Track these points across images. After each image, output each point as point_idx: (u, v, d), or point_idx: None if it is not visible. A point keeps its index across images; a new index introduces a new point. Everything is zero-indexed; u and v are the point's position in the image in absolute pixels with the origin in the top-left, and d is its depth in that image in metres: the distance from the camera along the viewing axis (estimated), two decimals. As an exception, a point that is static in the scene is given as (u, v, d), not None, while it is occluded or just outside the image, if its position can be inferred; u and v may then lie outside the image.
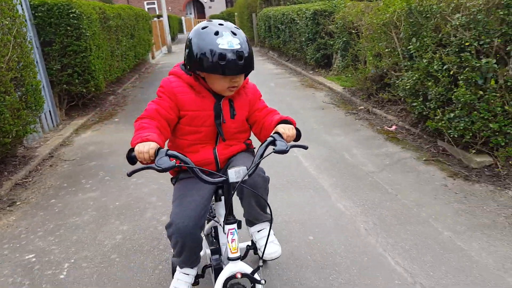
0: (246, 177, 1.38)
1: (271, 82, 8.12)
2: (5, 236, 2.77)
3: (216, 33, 1.45)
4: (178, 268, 1.78)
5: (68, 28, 5.23)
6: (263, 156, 1.41)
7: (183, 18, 33.39)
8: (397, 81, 4.30)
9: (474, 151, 3.36)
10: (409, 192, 3.06)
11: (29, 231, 2.81)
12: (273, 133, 1.49)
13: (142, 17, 10.91)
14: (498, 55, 3.15)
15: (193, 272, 1.78)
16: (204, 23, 1.53)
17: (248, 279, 1.49)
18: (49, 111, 5.27)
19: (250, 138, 1.81)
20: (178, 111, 1.60)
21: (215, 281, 1.60)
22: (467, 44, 3.15)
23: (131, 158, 1.35)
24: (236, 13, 21.42)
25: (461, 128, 3.31)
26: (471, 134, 3.30)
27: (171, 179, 1.80)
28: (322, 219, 2.73)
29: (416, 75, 3.80)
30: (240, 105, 1.69)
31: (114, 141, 4.78)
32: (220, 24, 1.49)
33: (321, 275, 2.15)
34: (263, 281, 1.51)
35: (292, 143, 1.49)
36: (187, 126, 1.63)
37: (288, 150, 1.41)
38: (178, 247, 1.63)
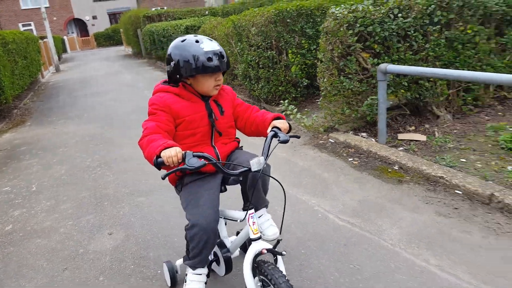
0: (265, 165, 1.59)
1: (159, 84, 10.06)
2: None
3: (197, 41, 1.71)
4: (190, 271, 1.90)
5: (-18, 51, 6.51)
6: (271, 147, 1.65)
7: (65, 37, 32.82)
8: (236, 71, 6.66)
9: (274, 104, 5.83)
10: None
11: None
12: (273, 128, 1.73)
13: (31, 39, 11.86)
14: (276, 49, 5.65)
15: (205, 271, 1.91)
16: (180, 38, 1.79)
17: (271, 253, 1.67)
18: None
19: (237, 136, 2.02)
20: (174, 121, 1.78)
21: (225, 272, 1.94)
22: (259, 44, 5.58)
23: (158, 164, 1.48)
24: (121, 30, 22.60)
25: (266, 92, 5.74)
26: (271, 95, 5.76)
27: (176, 187, 1.95)
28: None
29: (244, 65, 6.16)
30: (225, 103, 1.91)
31: (33, 136, 6.25)
32: (195, 36, 1.76)
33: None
34: (284, 252, 1.66)
35: (289, 134, 1.72)
36: (185, 131, 1.79)
37: (289, 140, 1.65)
38: (199, 246, 1.75)
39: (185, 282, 1.91)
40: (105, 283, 2.41)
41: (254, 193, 1.76)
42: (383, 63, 3.78)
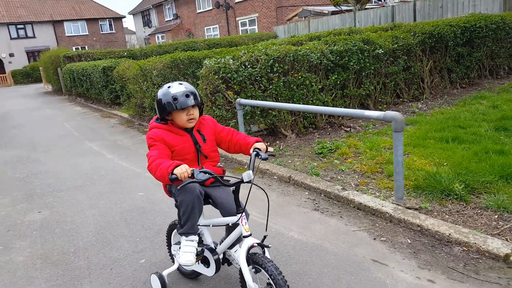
0: (253, 177, 2.04)
1: (78, 117, 11.07)
2: None
3: (169, 87, 2.23)
4: (183, 238, 2.31)
5: None
6: (255, 165, 2.18)
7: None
8: (145, 104, 8.11)
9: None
10: (143, 149, 6.72)
11: None
12: (254, 149, 2.24)
13: None
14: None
15: (196, 238, 2.33)
16: (162, 86, 2.30)
17: (260, 246, 2.10)
18: None
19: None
20: (169, 149, 2.25)
21: (215, 272, 2.37)
22: (160, 83, 7.14)
23: (173, 179, 1.94)
24: (41, 68, 22.76)
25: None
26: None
27: (171, 195, 2.41)
28: (104, 161, 6.09)
29: (149, 99, 7.64)
30: (207, 132, 2.39)
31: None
32: (172, 83, 2.26)
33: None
34: (270, 245, 2.12)
35: (267, 153, 2.22)
36: (177, 156, 2.26)
37: (268, 158, 2.18)
38: (188, 210, 2.22)
39: (179, 249, 2.35)
40: (38, 234, 3.74)
41: (243, 200, 2.20)
42: (239, 98, 5.53)
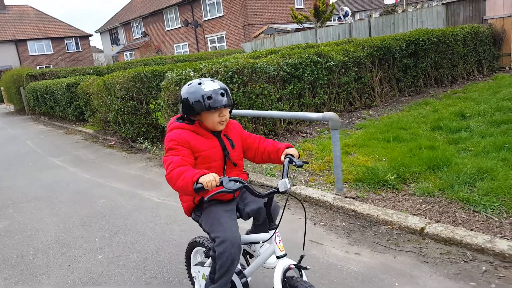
0: (290, 187, 1.78)
1: (42, 135, 11.00)
2: None
3: (200, 83, 1.94)
4: None
5: None
6: (289, 171, 1.92)
7: None
8: (109, 118, 8.25)
9: (137, 142, 7.52)
10: (107, 161, 6.86)
11: None
12: (287, 155, 1.99)
13: None
14: (137, 100, 7.47)
15: None
16: (189, 82, 2.03)
17: (297, 268, 1.85)
18: None
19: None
20: (193, 154, 1.96)
21: None
22: (123, 96, 7.33)
23: (198, 189, 1.68)
24: (2, 88, 22.20)
25: (131, 132, 7.43)
26: (135, 135, 7.46)
27: (194, 217, 2.11)
28: (76, 175, 6.18)
29: (113, 113, 7.79)
30: (234, 137, 2.13)
31: None
32: (200, 79, 1.99)
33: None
34: (308, 267, 1.83)
35: (301, 160, 1.96)
36: (201, 164, 1.97)
37: (303, 165, 1.91)
38: (227, 263, 1.90)
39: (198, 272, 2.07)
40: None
41: (280, 212, 1.96)
42: (198, 107, 5.83)
